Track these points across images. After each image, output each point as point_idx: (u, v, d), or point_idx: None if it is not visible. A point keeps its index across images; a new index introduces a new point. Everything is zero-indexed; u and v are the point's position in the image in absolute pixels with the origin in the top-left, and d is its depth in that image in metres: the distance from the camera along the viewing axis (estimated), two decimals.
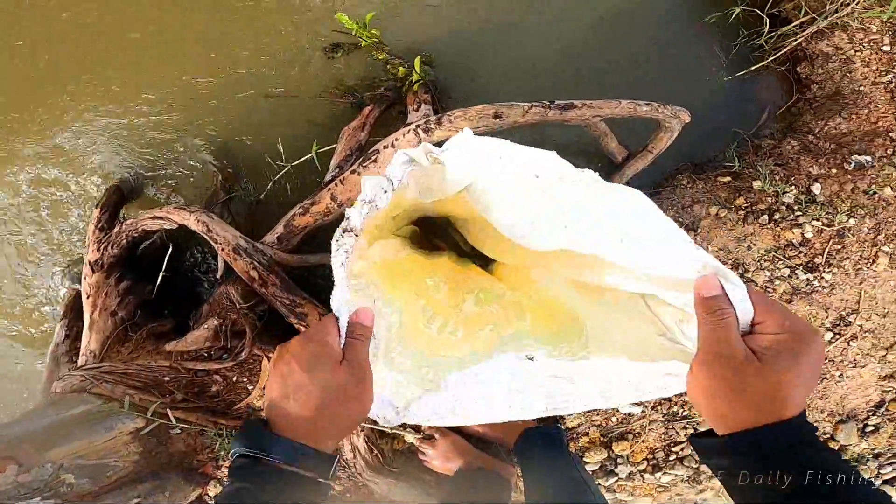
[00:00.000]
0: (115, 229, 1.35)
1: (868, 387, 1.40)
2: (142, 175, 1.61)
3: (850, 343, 1.36)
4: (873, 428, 1.41)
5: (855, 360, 1.37)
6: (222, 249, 1.23)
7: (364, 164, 1.40)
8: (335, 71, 1.67)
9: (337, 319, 0.57)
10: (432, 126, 1.29)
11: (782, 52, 1.56)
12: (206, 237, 1.23)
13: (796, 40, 1.52)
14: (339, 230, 0.61)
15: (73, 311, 1.58)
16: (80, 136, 1.64)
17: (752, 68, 1.59)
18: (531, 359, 0.74)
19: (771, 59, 1.57)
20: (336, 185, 1.40)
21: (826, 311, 1.36)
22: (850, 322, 1.36)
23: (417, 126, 1.32)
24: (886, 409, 1.40)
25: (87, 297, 1.35)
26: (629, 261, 0.62)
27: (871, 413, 1.41)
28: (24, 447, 0.82)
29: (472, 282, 1.01)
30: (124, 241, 1.35)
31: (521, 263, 0.93)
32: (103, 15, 1.64)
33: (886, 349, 1.37)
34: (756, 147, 1.56)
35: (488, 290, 0.95)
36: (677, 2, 1.70)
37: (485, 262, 1.16)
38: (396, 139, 1.35)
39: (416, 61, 1.55)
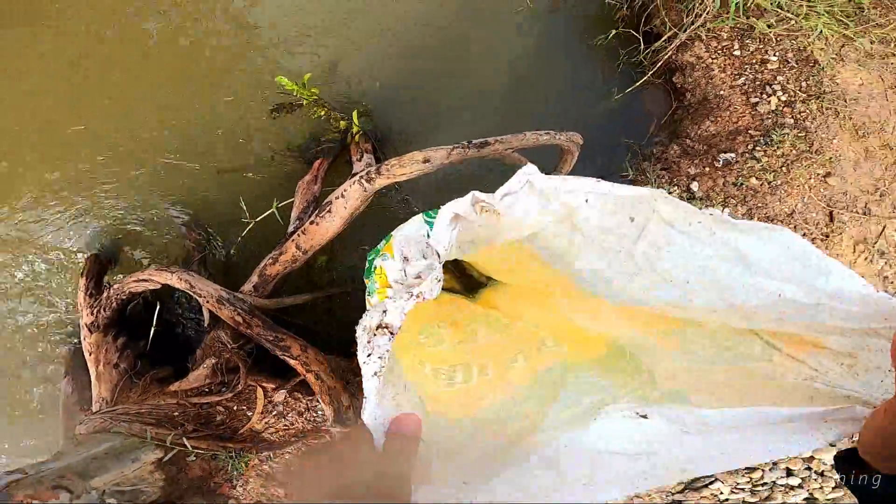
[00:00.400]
0: (105, 293, 1.50)
1: None
2: (119, 243, 1.79)
3: None
4: None
5: None
6: (206, 302, 1.40)
7: (321, 215, 1.65)
8: (283, 131, 1.91)
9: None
10: (373, 175, 1.47)
11: (657, 66, 1.82)
12: (190, 293, 1.40)
13: (666, 54, 1.79)
14: (367, 324, 0.50)
15: (74, 367, 1.72)
16: (53, 216, 1.81)
17: (636, 84, 1.87)
18: (644, 416, 0.64)
19: (650, 73, 1.84)
20: (299, 235, 1.58)
21: None
22: None
23: (360, 177, 1.50)
24: None
25: (90, 355, 1.50)
26: (775, 313, 0.56)
27: None
28: (70, 478, 1.03)
29: (467, 313, 0.95)
30: (114, 303, 1.50)
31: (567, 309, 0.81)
32: (52, 112, 1.84)
33: None
34: (647, 156, 1.83)
35: (489, 322, 0.89)
36: (573, 36, 1.97)
37: (464, 289, 1.10)
38: (345, 190, 1.54)
39: (354, 114, 1.79)
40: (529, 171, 0.59)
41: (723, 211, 0.59)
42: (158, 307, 1.58)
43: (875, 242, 1.66)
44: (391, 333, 0.48)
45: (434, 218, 0.62)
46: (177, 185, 1.83)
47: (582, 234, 0.62)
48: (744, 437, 0.56)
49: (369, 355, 0.48)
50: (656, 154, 1.83)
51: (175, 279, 1.39)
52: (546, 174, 0.60)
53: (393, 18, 1.95)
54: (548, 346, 0.78)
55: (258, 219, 1.70)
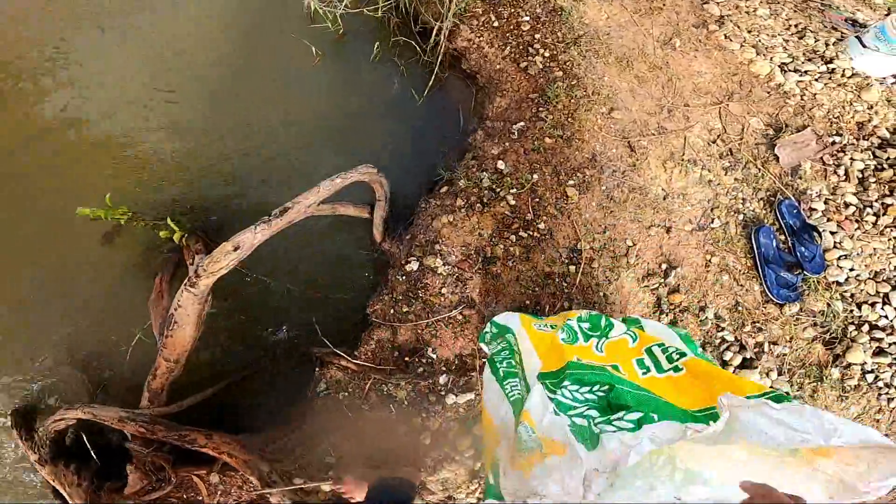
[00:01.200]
0: (36, 436, 1.66)
1: (635, 293, 1.69)
2: (30, 395, 1.82)
3: (592, 265, 1.66)
4: (670, 325, 1.70)
5: (607, 277, 1.67)
6: (111, 423, 1.53)
7: (170, 329, 1.58)
8: (119, 258, 1.88)
9: None
10: (194, 280, 1.48)
11: (440, 60, 1.85)
12: (97, 421, 1.52)
13: (441, 46, 1.82)
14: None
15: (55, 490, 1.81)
16: None
17: (430, 84, 1.89)
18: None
19: (437, 69, 1.86)
20: (162, 350, 1.61)
21: (558, 251, 1.66)
22: (580, 250, 1.66)
23: (184, 285, 1.51)
24: (668, 303, 1.69)
25: (53, 482, 1.64)
26: None
27: (657, 310, 1.69)
28: None
29: None
30: (48, 441, 1.66)
31: None
32: None
33: (624, 255, 1.67)
34: (462, 150, 1.85)
35: None
36: (368, 62, 1.99)
37: None
38: (179, 301, 1.55)
39: (168, 221, 1.77)
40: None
41: None
42: (84, 437, 1.66)
43: (682, 154, 1.70)
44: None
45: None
46: (63, 334, 1.85)
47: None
48: None
49: None
50: (468, 145, 1.85)
51: (80, 413, 1.53)
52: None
53: (183, 109, 1.95)
54: None
55: (129, 349, 1.73)
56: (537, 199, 1.68)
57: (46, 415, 1.78)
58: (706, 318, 1.65)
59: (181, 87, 1.96)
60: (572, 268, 1.64)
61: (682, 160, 1.69)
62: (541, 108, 1.69)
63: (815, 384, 1.65)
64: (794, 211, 1.75)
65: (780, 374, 1.65)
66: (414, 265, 1.74)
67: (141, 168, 1.91)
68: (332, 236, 1.90)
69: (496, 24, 1.77)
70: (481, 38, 1.79)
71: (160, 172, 1.91)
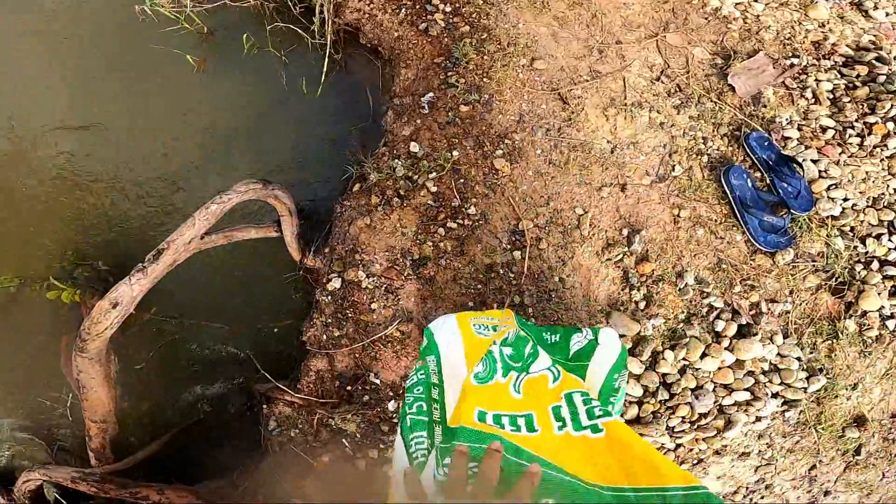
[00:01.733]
0: (13, 495, 1.62)
1: (596, 270, 1.41)
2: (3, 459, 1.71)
3: (540, 246, 1.38)
4: (644, 301, 1.40)
5: (560, 257, 1.39)
6: (67, 484, 1.53)
7: (83, 393, 1.49)
8: (26, 325, 1.65)
9: None
10: (80, 344, 1.38)
11: (334, 38, 1.58)
12: (53, 482, 1.53)
13: (328, 23, 1.54)
14: None
15: None
16: None
17: (325, 68, 1.61)
18: None
19: (331, 49, 1.58)
20: (85, 412, 1.57)
21: (496, 237, 1.38)
22: (523, 230, 1.37)
23: (74, 351, 1.41)
24: (638, 275, 1.40)
25: None
26: None
27: (626, 286, 1.41)
28: None
29: None
30: (25, 500, 1.62)
31: None
32: None
33: (576, 227, 1.39)
34: (378, 137, 1.57)
35: None
36: (252, 57, 1.71)
37: None
38: (77, 367, 1.43)
39: (51, 280, 1.52)
40: None
41: None
42: (56, 494, 1.62)
43: (624, 98, 1.43)
44: None
45: None
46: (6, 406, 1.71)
47: None
48: None
49: None
50: (380, 132, 1.57)
51: (37, 475, 1.57)
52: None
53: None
54: None
55: (67, 406, 1.65)
56: (462, 180, 1.39)
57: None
58: (686, 284, 1.37)
59: (52, 136, 1.68)
60: (517, 253, 1.36)
61: (626, 105, 1.42)
62: (449, 73, 1.42)
63: (829, 342, 1.37)
64: (766, 143, 1.49)
65: (785, 336, 1.37)
66: (336, 282, 1.45)
67: (22, 227, 1.64)
68: (254, 260, 1.69)
69: None
70: (372, 6, 1.52)
71: (46, 228, 1.64)
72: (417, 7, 1.47)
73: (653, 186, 1.39)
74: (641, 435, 1.37)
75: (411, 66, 1.50)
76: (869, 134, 1.60)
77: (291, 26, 1.64)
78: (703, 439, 1.36)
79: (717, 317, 1.39)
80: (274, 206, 1.48)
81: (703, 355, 1.36)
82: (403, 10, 1.48)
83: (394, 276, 1.42)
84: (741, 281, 1.39)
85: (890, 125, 1.61)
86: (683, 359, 1.36)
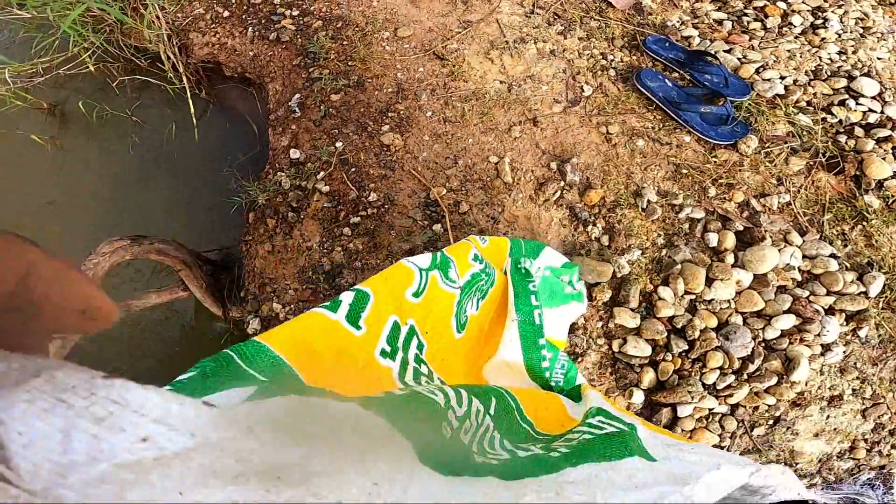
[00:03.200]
0: None
1: (537, 216, 1.18)
2: None
3: (461, 211, 1.15)
4: (607, 235, 1.18)
5: (489, 214, 1.16)
6: None
7: None
8: None
9: None
10: None
11: (195, 79, 1.46)
12: None
13: (179, 65, 1.42)
14: None
15: None
16: None
17: (192, 110, 1.47)
18: None
19: (196, 91, 1.46)
20: None
21: (408, 216, 1.15)
22: (435, 200, 1.16)
23: None
24: (587, 208, 1.18)
25: None
26: None
27: (578, 224, 1.18)
28: None
29: None
30: None
31: None
32: None
33: (496, 177, 1.18)
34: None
35: None
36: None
37: None
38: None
39: None
40: None
41: None
42: None
43: (504, 38, 1.31)
44: None
45: None
46: None
47: None
48: None
49: None
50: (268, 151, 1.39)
51: None
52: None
53: None
54: None
55: None
56: (353, 169, 1.19)
57: None
58: (648, 202, 1.14)
59: None
60: (437, 227, 1.12)
61: (507, 43, 1.30)
62: (311, 69, 1.29)
63: (856, 226, 1.13)
64: (667, 44, 1.37)
65: (802, 233, 1.13)
66: (254, 323, 1.19)
67: None
68: (179, 318, 1.48)
69: (226, 14, 1.42)
70: (219, 35, 1.42)
71: None
72: (263, 21, 1.37)
73: (568, 112, 1.22)
74: (673, 406, 1.04)
75: (276, 78, 1.36)
76: (766, 17, 1.52)
77: (147, 79, 1.52)
78: (765, 391, 1.04)
79: (705, 229, 1.15)
80: (167, 264, 1.24)
81: (710, 281, 1.09)
82: (250, 28, 1.38)
83: (308, 296, 1.16)
84: (713, 182, 1.18)
85: (781, 4, 1.55)
86: (686, 292, 1.09)
